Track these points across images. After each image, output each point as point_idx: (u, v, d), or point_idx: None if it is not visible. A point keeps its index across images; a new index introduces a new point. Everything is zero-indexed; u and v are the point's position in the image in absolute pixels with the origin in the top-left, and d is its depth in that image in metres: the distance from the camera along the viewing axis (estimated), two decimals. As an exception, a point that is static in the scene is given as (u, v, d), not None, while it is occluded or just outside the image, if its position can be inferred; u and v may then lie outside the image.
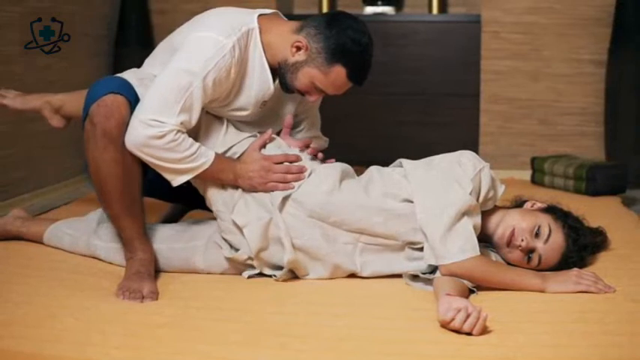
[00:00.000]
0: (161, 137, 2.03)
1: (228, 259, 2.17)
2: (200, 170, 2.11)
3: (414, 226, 2.08)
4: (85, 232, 2.35)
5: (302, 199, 2.13)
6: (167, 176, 2.12)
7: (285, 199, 2.14)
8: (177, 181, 2.12)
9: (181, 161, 2.07)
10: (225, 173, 2.16)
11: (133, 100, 2.09)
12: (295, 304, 1.94)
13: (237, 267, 2.19)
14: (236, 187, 2.18)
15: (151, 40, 4.18)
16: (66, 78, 3.69)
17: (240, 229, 2.12)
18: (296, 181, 2.16)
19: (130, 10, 4.17)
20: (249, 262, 2.15)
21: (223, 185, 2.18)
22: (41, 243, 2.44)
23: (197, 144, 2.10)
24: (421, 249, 2.09)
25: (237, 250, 2.16)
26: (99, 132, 2.04)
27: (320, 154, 2.31)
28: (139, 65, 2.36)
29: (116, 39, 4.18)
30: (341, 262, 2.13)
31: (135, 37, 4.16)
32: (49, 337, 1.69)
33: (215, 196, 2.18)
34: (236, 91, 2.19)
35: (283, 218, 2.11)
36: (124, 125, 2.05)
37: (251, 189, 2.16)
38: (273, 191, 2.15)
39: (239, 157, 2.20)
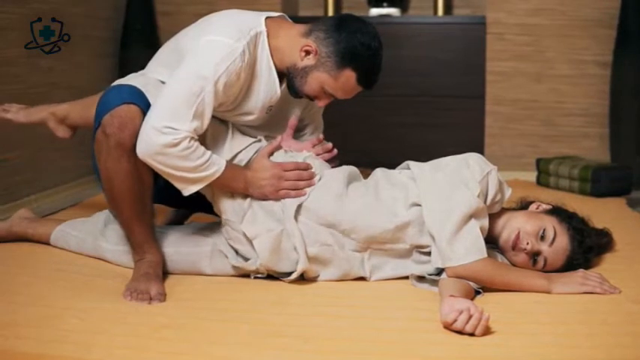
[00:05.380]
0: (176, 145, 1.97)
1: (235, 268, 2.17)
2: (212, 179, 2.06)
3: (421, 229, 2.09)
4: (92, 234, 2.36)
5: (312, 207, 2.11)
6: (179, 185, 2.07)
7: (298, 207, 2.11)
8: (188, 190, 2.07)
9: (194, 170, 2.02)
10: (236, 182, 2.11)
11: (146, 107, 2.05)
12: (298, 305, 1.94)
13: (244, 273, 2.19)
14: (245, 195, 2.14)
15: (156, 42, 4.18)
16: (69, 80, 3.69)
17: (249, 240, 2.11)
18: (307, 187, 2.13)
19: (135, 11, 4.17)
20: (259, 272, 2.14)
21: (232, 194, 2.14)
22: (47, 244, 2.45)
23: (209, 152, 2.05)
24: (429, 253, 2.09)
25: (245, 258, 2.15)
26: (112, 143, 2.00)
27: (327, 155, 2.29)
28: (143, 67, 2.33)
29: (121, 41, 4.18)
30: (351, 269, 2.13)
31: (140, 38, 4.15)
32: (54, 337, 1.70)
33: (224, 205, 2.15)
34: (243, 95, 2.15)
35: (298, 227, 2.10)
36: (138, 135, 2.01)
37: (262, 197, 2.13)
38: (284, 199, 2.12)
39: (246, 164, 2.17)
